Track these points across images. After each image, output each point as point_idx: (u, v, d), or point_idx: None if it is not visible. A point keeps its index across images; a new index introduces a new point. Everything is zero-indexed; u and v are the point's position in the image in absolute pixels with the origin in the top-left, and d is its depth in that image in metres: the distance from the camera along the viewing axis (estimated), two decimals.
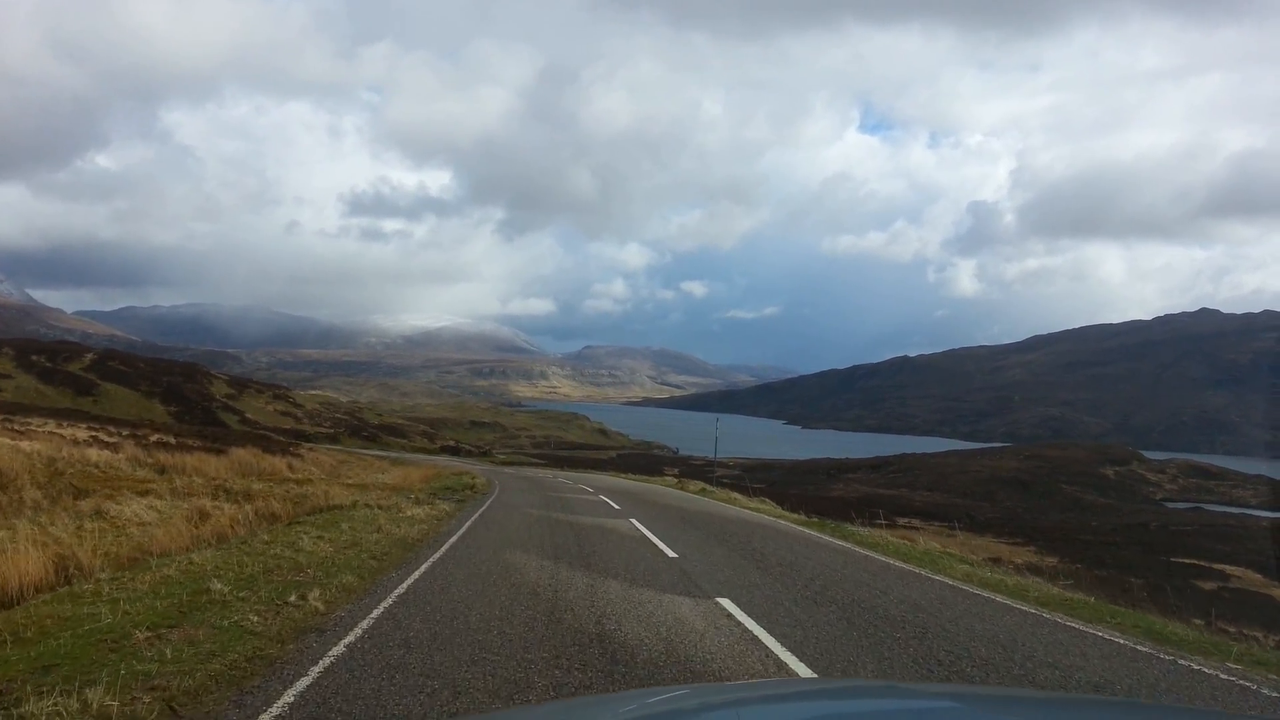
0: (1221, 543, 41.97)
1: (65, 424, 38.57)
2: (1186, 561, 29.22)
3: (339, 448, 77.40)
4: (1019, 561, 14.36)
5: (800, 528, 20.17)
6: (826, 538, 17.88)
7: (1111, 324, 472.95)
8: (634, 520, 18.75)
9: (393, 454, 76.40)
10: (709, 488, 37.84)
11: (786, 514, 26.03)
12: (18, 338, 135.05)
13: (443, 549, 12.59)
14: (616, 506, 22.76)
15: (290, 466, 35.77)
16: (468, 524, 16.37)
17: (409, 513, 17.12)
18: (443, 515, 17.97)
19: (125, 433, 36.97)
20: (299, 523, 14.98)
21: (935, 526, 38.35)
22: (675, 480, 46.15)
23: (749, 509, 26.38)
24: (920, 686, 4.92)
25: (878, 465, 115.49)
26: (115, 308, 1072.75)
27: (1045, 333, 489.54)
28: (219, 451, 33.94)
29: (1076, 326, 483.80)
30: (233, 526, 13.98)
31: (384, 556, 11.59)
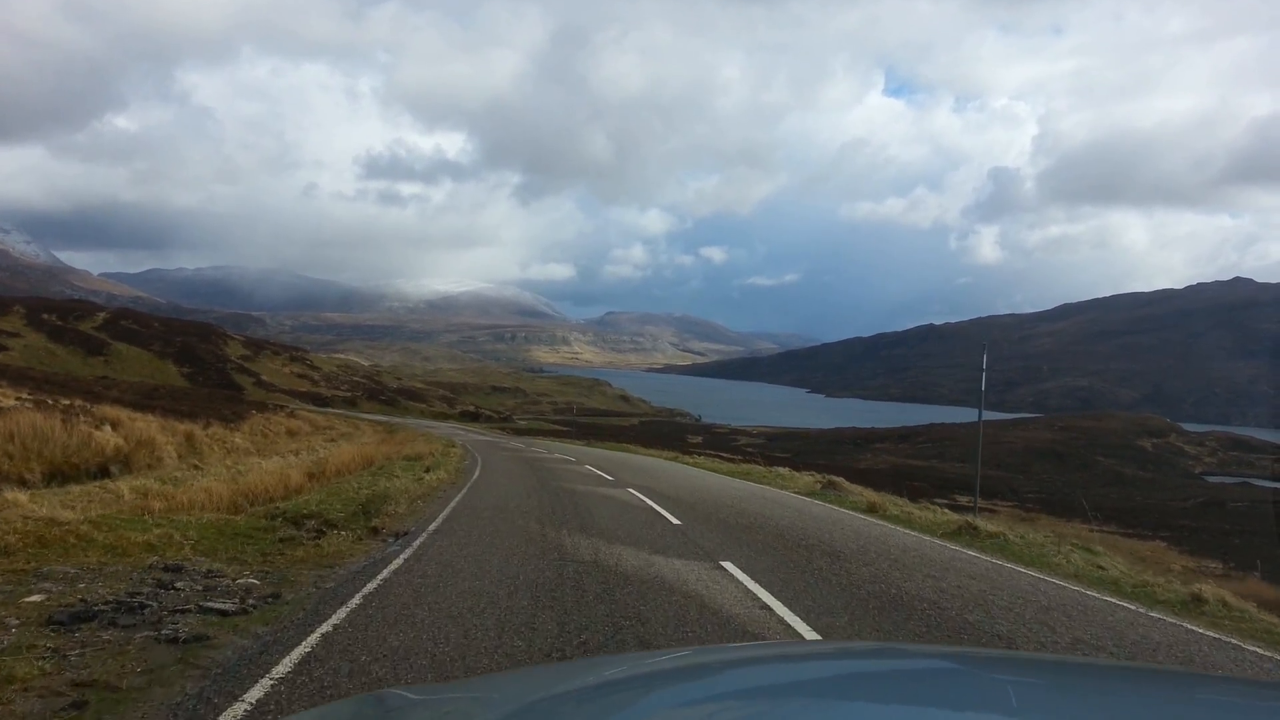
0: None
1: None
2: None
3: (340, 412, 75.31)
4: (1177, 567, 11.68)
5: None
6: None
7: (1142, 293, 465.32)
8: None
9: (396, 419, 73.80)
10: (979, 522, 15.43)
11: None
12: (34, 296, 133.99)
13: None
14: None
15: (190, 438, 25.61)
16: None
17: None
18: None
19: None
20: None
21: (1004, 507, 35.05)
22: (815, 481, 25.01)
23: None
24: (920, 647, 4.97)
25: (906, 435, 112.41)
26: (140, 270, 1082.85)
27: (1073, 301, 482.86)
28: None
29: (1105, 295, 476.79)
30: None
31: None
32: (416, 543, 10.83)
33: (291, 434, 36.67)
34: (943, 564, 11.29)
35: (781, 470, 29.36)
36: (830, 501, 19.63)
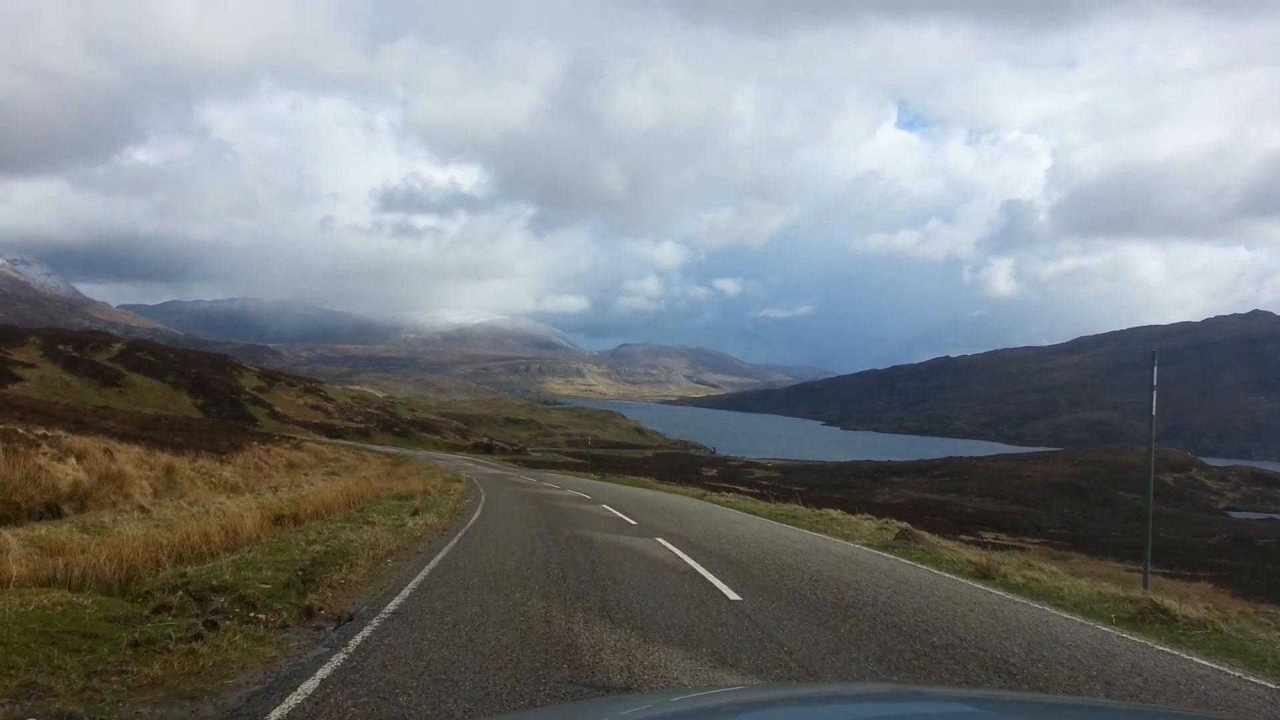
0: None
1: None
2: None
3: (351, 443, 75.06)
4: (1233, 612, 10.68)
5: None
6: None
7: (1159, 325, 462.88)
8: None
9: (407, 451, 73.54)
10: (1171, 603, 10.97)
11: None
12: (51, 327, 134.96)
13: None
14: None
15: (170, 471, 23.25)
16: None
17: None
18: None
19: None
20: None
21: (1032, 544, 34.00)
22: (880, 528, 21.81)
23: None
24: (937, 689, 5.00)
25: (924, 469, 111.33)
26: (159, 302, 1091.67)
27: (1089, 334, 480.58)
28: None
29: (1122, 328, 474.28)
30: None
31: None
32: (356, 640, 7.25)
33: (292, 466, 35.52)
34: (1192, 692, 7.31)
35: (833, 513, 25.26)
36: (918, 559, 15.29)
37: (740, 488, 53.21)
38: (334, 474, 33.14)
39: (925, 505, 72.10)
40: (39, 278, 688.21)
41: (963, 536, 21.17)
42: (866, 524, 22.29)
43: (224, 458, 30.32)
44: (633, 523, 18.86)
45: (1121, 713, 3.25)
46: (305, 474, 32.71)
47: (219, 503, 18.66)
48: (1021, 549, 19.32)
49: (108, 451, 22.35)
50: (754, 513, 25.61)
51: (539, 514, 20.11)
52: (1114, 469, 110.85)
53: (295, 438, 56.35)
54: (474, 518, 18.12)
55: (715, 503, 30.39)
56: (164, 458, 24.58)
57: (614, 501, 25.48)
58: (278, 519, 15.38)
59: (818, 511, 25.45)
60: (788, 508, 27.43)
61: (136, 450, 24.71)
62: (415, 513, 17.22)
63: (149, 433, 32.98)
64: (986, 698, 3.51)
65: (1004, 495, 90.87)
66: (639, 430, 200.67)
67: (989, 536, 32.21)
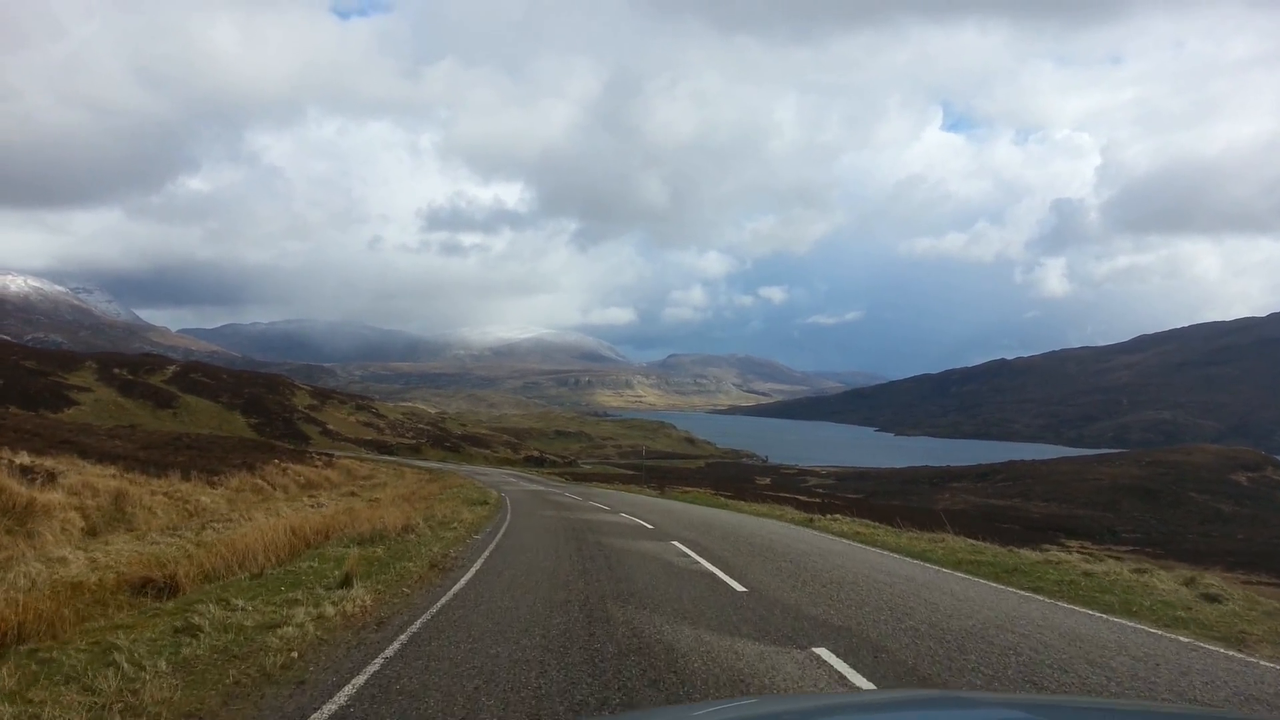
0: None
1: None
2: None
3: (392, 459, 74.72)
4: None
5: None
6: None
7: (1221, 322, 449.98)
8: None
9: (451, 466, 72.79)
10: None
11: None
12: (107, 351, 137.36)
13: None
14: None
15: (120, 498, 19.81)
16: None
17: None
18: None
19: None
20: None
21: (1121, 552, 31.68)
22: (1187, 586, 11.80)
23: None
24: (986, 695, 4.68)
25: (984, 474, 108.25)
26: (217, 325, 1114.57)
27: (1148, 332, 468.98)
28: None
29: (1183, 325, 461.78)
30: None
31: None
32: None
33: (308, 486, 32.66)
34: None
35: (1070, 558, 15.50)
36: None
37: (800, 497, 51.63)
38: (354, 494, 30.65)
39: (990, 511, 69.79)
40: (100, 305, 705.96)
41: (1044, 546, 19.37)
42: (1163, 584, 12.32)
43: (215, 479, 26.97)
44: (739, 589, 10.71)
45: (1174, 716, 3.08)
46: (314, 495, 29.78)
47: (69, 554, 13.50)
48: (1118, 559, 17.14)
49: (54, 475, 18.79)
50: (922, 557, 15.48)
51: (576, 567, 12.52)
52: (1182, 469, 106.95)
53: (331, 454, 55.92)
54: (457, 585, 10.62)
55: (832, 532, 21.10)
56: (115, 483, 20.57)
57: (688, 535, 17.86)
58: (143, 584, 10.03)
59: (1039, 552, 16.34)
60: (963, 545, 17.35)
61: (110, 471, 21.85)
62: (345, 583, 9.88)
63: (148, 451, 31.04)
64: (1035, 703, 3.28)
65: (1071, 499, 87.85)
66: (690, 440, 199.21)
67: (1072, 545, 30.08)
